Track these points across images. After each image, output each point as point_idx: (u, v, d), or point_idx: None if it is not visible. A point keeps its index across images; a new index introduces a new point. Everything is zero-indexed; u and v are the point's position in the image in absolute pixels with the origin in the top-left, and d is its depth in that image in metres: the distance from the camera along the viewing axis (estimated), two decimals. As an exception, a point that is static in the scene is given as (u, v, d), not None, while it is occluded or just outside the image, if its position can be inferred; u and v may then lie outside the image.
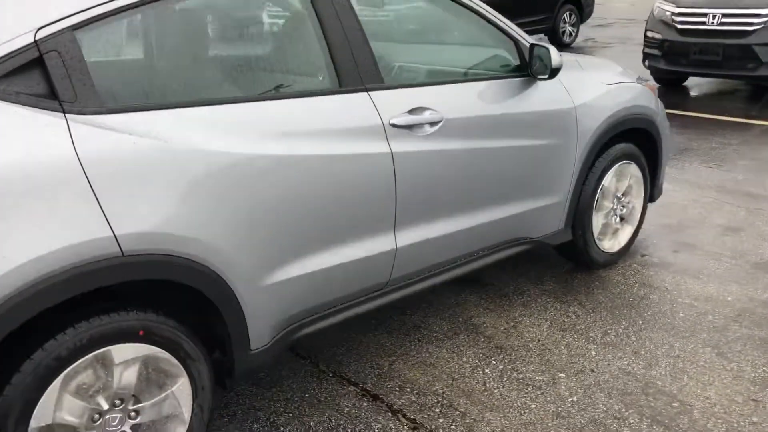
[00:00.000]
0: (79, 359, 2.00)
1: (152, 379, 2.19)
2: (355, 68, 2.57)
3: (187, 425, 2.29)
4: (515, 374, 2.94)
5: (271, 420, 2.71)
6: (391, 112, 2.62)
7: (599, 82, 3.53)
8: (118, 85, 2.15)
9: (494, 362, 3.03)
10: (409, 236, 2.79)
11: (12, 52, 1.92)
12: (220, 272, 2.22)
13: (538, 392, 2.82)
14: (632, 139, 3.77)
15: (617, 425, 2.60)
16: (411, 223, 2.78)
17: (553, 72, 3.06)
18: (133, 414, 2.17)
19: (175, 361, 2.21)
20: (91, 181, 1.94)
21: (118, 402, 2.13)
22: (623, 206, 3.85)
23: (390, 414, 2.72)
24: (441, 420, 2.67)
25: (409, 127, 2.67)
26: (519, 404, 2.75)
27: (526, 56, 3.12)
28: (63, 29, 2.00)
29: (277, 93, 2.43)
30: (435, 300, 3.57)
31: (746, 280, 3.69)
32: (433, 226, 2.87)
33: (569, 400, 2.76)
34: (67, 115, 1.96)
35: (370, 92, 2.59)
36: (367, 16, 2.92)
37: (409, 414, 2.71)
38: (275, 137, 2.33)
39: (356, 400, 2.81)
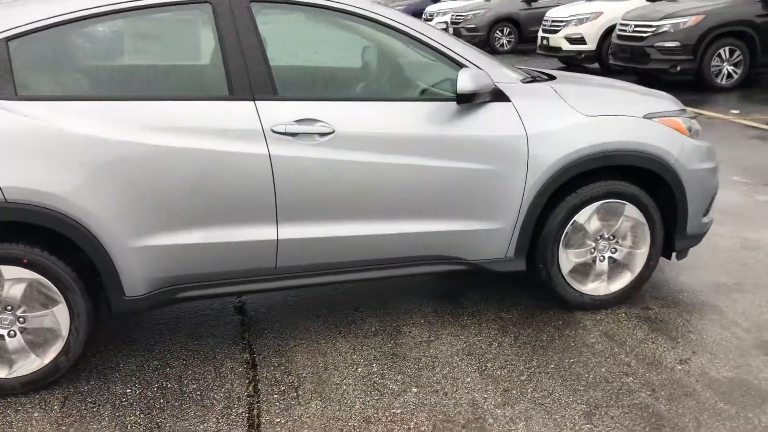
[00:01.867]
0: (-26, 270, 2.86)
1: (36, 298, 2.96)
2: (246, 80, 3.02)
3: (64, 341, 3.02)
4: (377, 378, 3.09)
5: (169, 363, 3.30)
6: (276, 120, 3.01)
7: (575, 112, 3.35)
8: (32, 81, 2.95)
9: (374, 365, 3.20)
10: (293, 231, 3.13)
11: (-38, 55, 2.84)
12: (90, 228, 2.89)
13: (376, 397, 2.95)
14: (631, 177, 3.48)
15: (405, 443, 2.66)
16: (295, 219, 3.12)
17: (460, 97, 3.09)
18: (21, 319, 2.97)
19: (54, 288, 2.95)
20: (-13, 146, 2.77)
21: (9, 308, 2.94)
22: (615, 249, 3.55)
23: (247, 381, 3.12)
24: (276, 396, 3.00)
25: (293, 134, 3.03)
26: (347, 401, 2.93)
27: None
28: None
29: (164, 94, 3.01)
30: (390, 303, 3.78)
31: (729, 356, 3.17)
32: (324, 227, 3.16)
33: (381, 411, 2.85)
34: (-15, 99, 2.81)
35: (257, 102, 3.02)
36: (286, 34, 3.32)
37: (260, 386, 3.08)
38: (155, 130, 2.92)
39: (237, 365, 3.26)
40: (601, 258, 3.56)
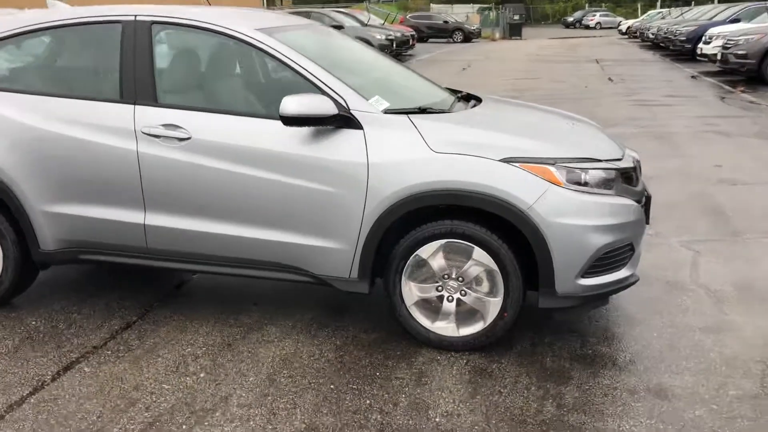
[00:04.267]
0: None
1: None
2: (133, 88, 3.64)
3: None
4: (189, 359, 3.49)
5: (82, 311, 4.06)
6: (146, 122, 3.60)
7: (425, 146, 3.32)
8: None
9: (203, 348, 3.59)
10: (156, 219, 3.68)
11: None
12: (11, 188, 3.78)
13: (163, 371, 3.36)
14: (484, 220, 3.34)
15: None
16: (159, 209, 3.67)
17: (283, 119, 3.30)
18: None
19: (-8, 239, 3.91)
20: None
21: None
22: (465, 292, 3.42)
23: (108, 336, 3.75)
24: (108, 353, 3.58)
25: (156, 136, 3.57)
26: (145, 369, 3.39)
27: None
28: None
29: (72, 93, 3.78)
30: (287, 304, 4.10)
31: (505, 420, 2.92)
32: (181, 219, 3.65)
33: (154, 383, 3.25)
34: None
35: (137, 106, 3.63)
36: (178, 51, 3.85)
37: (111, 342, 3.68)
38: (59, 121, 3.72)
39: (119, 323, 3.90)
40: (450, 298, 3.46)
